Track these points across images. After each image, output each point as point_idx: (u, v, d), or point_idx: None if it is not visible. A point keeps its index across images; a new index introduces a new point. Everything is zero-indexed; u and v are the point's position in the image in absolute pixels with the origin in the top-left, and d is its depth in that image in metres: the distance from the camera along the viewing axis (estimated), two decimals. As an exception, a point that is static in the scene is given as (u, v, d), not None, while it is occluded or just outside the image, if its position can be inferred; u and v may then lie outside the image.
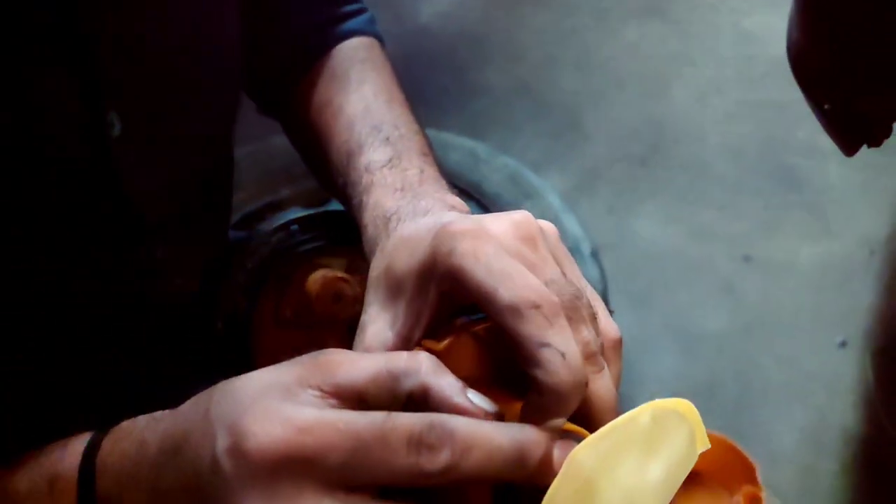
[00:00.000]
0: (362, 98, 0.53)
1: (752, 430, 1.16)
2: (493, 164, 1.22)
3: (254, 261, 0.55)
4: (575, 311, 0.32)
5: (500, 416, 0.29)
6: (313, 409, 0.27)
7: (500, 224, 0.34)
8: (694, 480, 1.15)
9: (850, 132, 0.58)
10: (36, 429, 0.39)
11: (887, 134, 0.58)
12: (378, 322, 0.35)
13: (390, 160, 0.46)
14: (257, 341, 0.56)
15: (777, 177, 1.58)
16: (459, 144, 1.26)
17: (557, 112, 1.81)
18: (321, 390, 0.28)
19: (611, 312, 0.35)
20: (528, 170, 1.47)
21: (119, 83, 0.41)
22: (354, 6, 0.60)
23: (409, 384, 0.28)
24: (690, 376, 1.25)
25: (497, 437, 0.27)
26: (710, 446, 0.32)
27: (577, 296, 0.33)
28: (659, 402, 0.30)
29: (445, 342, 0.33)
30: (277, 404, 0.27)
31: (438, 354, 0.32)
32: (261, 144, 1.23)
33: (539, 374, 0.29)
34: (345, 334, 0.57)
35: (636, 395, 1.20)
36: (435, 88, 1.91)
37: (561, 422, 0.29)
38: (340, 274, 0.52)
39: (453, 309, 0.35)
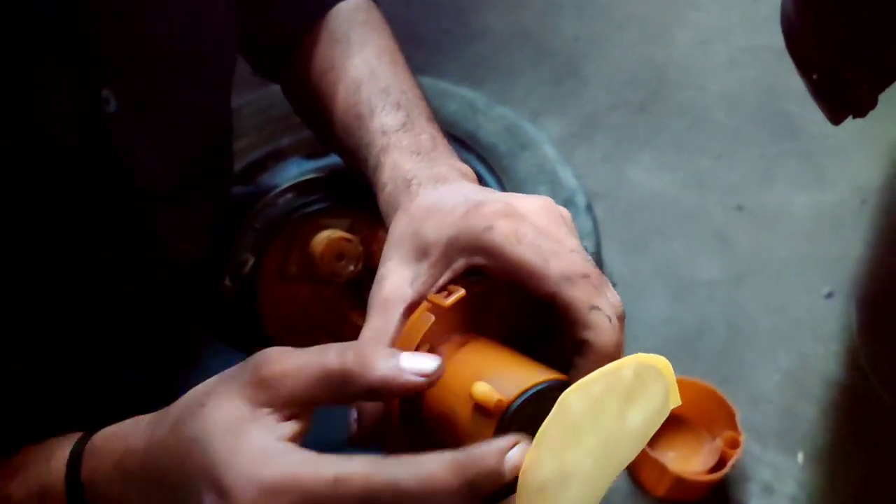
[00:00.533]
0: (366, 61, 0.53)
1: (736, 374, 1.20)
2: (490, 114, 1.23)
3: (261, 221, 0.57)
4: (605, 281, 0.35)
5: (440, 372, 0.31)
6: (280, 455, 0.29)
7: (529, 205, 0.37)
8: (682, 425, 1.21)
9: (837, 102, 0.59)
10: (35, 421, 0.41)
11: (873, 105, 0.59)
12: (397, 277, 0.38)
13: (403, 125, 0.48)
14: (263, 295, 0.58)
15: (774, 125, 1.58)
16: (458, 94, 1.26)
17: (557, 58, 1.79)
18: (275, 410, 0.30)
19: (613, 285, 0.38)
20: (526, 120, 1.48)
21: (111, 60, 0.42)
22: None
23: (353, 388, 0.31)
24: (680, 321, 1.27)
25: (444, 483, 0.28)
26: (681, 403, 0.33)
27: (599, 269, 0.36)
28: (641, 357, 0.32)
29: (452, 300, 0.36)
30: (247, 450, 0.29)
31: (443, 309, 0.36)
32: (261, 93, 1.24)
33: (590, 335, 0.33)
34: (345, 290, 0.59)
35: (627, 338, 1.24)
36: (435, 31, 1.89)
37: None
38: (344, 234, 0.54)
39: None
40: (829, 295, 1.31)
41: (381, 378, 0.30)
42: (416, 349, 0.35)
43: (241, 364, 0.33)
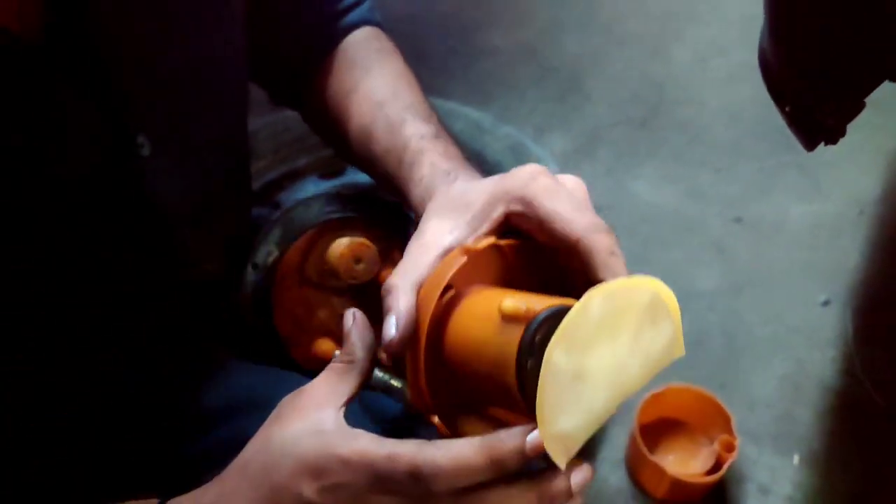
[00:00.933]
0: (387, 83, 0.58)
1: (735, 379, 1.24)
2: (495, 133, 1.28)
3: (289, 219, 0.60)
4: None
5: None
6: (352, 437, 0.37)
7: (563, 176, 0.44)
8: (681, 429, 1.28)
9: (809, 131, 0.64)
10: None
11: (842, 134, 0.65)
12: (436, 227, 0.43)
13: (435, 135, 0.54)
14: (278, 289, 0.61)
15: (772, 139, 1.63)
16: (464, 114, 1.32)
17: (561, 75, 1.85)
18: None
19: None
20: (530, 137, 1.54)
21: (143, 108, 0.47)
22: None
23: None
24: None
25: (473, 461, 0.34)
26: (684, 353, 0.38)
27: None
28: (659, 285, 0.36)
29: (483, 243, 0.41)
30: (328, 434, 0.38)
31: (475, 253, 0.41)
32: (276, 116, 1.30)
33: (608, 274, 0.39)
34: (353, 301, 0.63)
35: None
36: (442, 50, 1.95)
37: None
38: (363, 240, 0.58)
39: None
40: (826, 303, 1.35)
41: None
42: (444, 289, 0.40)
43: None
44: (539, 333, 0.34)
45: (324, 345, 0.62)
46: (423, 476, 0.34)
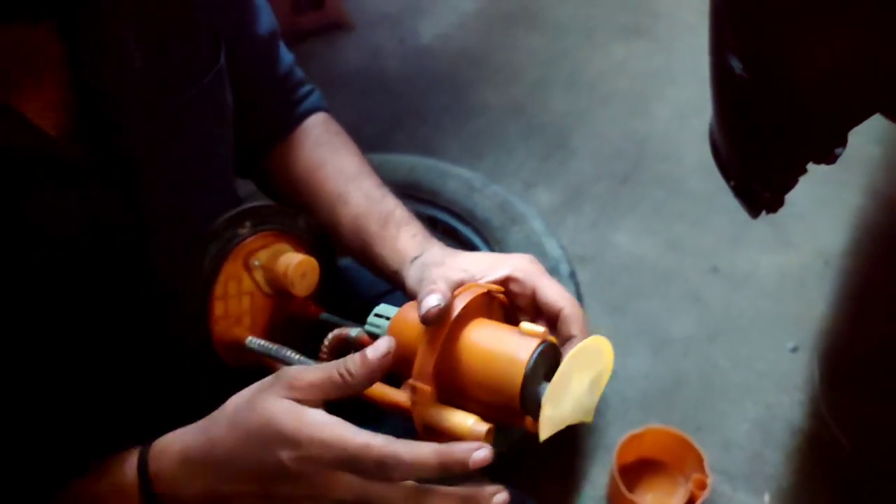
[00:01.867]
0: (353, 163, 0.72)
1: (709, 422, 1.32)
2: (485, 192, 1.39)
3: (211, 253, 0.60)
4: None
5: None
6: (334, 424, 0.45)
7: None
8: (658, 469, 1.38)
9: (752, 202, 0.74)
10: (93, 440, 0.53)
11: (780, 205, 0.75)
12: (459, 266, 0.56)
13: (409, 215, 0.66)
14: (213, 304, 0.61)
15: (745, 193, 1.73)
16: (457, 174, 1.42)
17: (548, 132, 1.97)
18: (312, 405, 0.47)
19: None
20: (517, 193, 1.65)
21: (151, 193, 0.55)
22: (307, 88, 0.77)
23: (349, 392, 0.47)
24: (658, 375, 1.41)
25: (427, 461, 0.43)
26: (611, 371, 0.51)
27: None
28: (602, 341, 0.49)
29: (488, 282, 0.54)
30: (309, 420, 0.45)
31: (491, 288, 0.53)
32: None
33: (580, 337, 0.53)
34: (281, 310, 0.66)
35: (609, 392, 1.38)
36: (437, 107, 2.07)
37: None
38: (279, 245, 0.62)
39: None
40: (794, 349, 1.44)
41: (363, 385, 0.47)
42: (464, 308, 0.50)
43: (268, 378, 0.48)
44: (536, 361, 0.47)
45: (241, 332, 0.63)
46: (387, 466, 0.43)
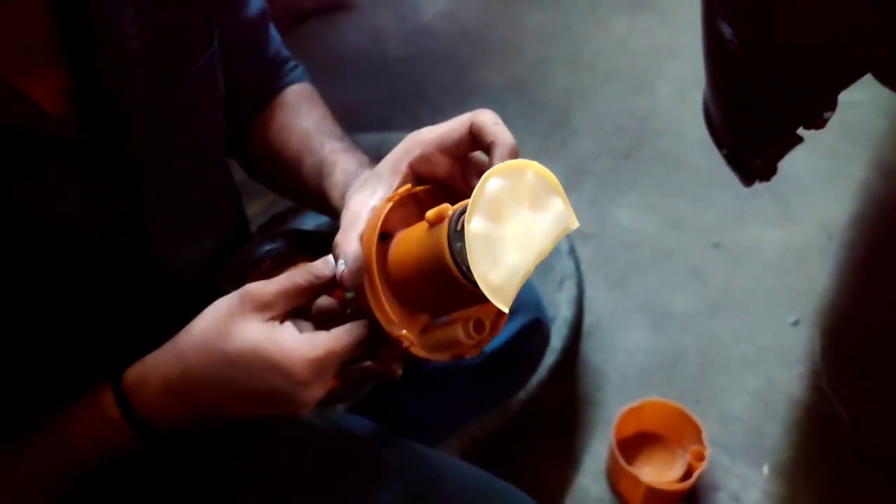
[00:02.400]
0: (313, 120, 0.71)
1: (708, 396, 1.33)
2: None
3: (241, 261, 0.66)
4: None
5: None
6: (310, 341, 0.49)
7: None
8: (657, 442, 1.39)
9: (743, 170, 0.74)
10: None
11: (773, 172, 0.74)
12: (359, 197, 0.53)
13: (346, 149, 0.65)
14: None
15: (747, 168, 1.72)
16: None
17: (549, 110, 1.96)
18: (278, 317, 0.50)
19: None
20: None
21: (149, 177, 0.55)
22: (292, 63, 0.77)
23: (316, 291, 0.52)
24: (658, 350, 1.41)
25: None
26: (578, 225, 0.47)
27: None
28: (536, 166, 0.45)
29: (401, 190, 0.51)
30: (290, 344, 0.49)
31: (396, 200, 0.51)
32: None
33: (496, 137, 0.48)
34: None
35: (609, 367, 1.38)
36: (437, 87, 2.06)
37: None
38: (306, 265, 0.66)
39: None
40: (796, 323, 1.44)
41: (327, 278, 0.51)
42: (383, 235, 0.50)
43: (232, 299, 0.50)
44: (458, 223, 0.45)
45: None
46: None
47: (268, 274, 0.65)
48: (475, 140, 0.50)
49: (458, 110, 0.52)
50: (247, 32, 0.70)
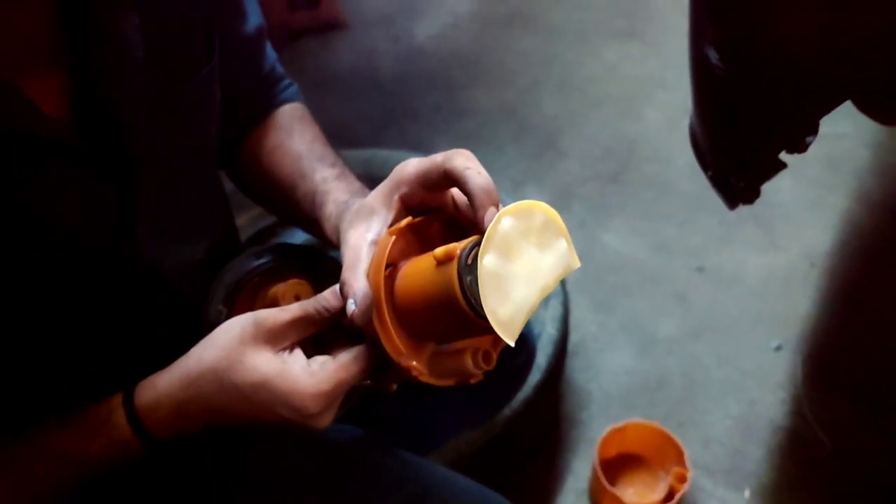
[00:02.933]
0: (305, 142, 0.72)
1: (691, 419, 1.34)
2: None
3: (229, 277, 0.67)
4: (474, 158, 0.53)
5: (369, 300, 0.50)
6: (317, 375, 0.51)
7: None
8: (639, 464, 1.39)
9: (728, 193, 0.76)
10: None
11: (756, 195, 0.76)
12: (356, 232, 0.54)
13: (338, 176, 0.66)
14: None
15: (732, 195, 1.75)
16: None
17: (538, 133, 1.98)
18: (288, 348, 0.53)
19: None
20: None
21: (142, 182, 0.56)
22: (285, 83, 0.78)
23: (324, 322, 0.53)
24: (641, 372, 1.42)
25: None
26: (580, 265, 0.49)
27: None
28: (545, 208, 0.47)
29: (403, 222, 0.52)
30: (298, 380, 0.51)
31: (398, 232, 0.52)
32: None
33: (469, 183, 0.49)
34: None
35: (593, 387, 1.39)
36: (428, 107, 2.08)
37: (492, 212, 0.48)
38: (297, 280, 0.66)
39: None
40: (778, 348, 1.45)
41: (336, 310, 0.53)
42: (386, 266, 0.51)
43: (244, 326, 0.52)
44: (469, 258, 0.46)
45: None
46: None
47: (257, 290, 0.67)
48: (452, 181, 0.51)
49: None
50: (244, 47, 0.71)
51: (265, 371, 0.50)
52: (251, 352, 0.51)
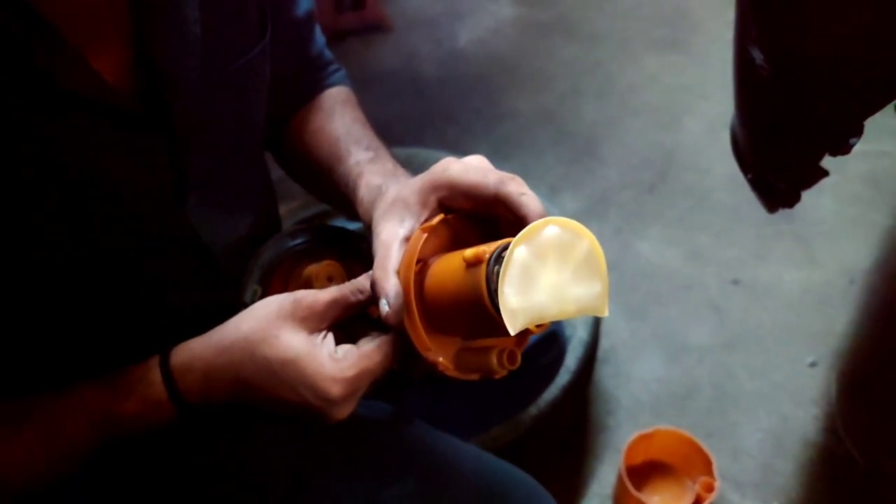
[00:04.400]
0: (344, 125, 0.73)
1: (720, 430, 1.32)
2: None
3: (264, 258, 0.68)
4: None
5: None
6: (343, 361, 0.52)
7: (468, 158, 0.56)
8: (666, 472, 1.38)
9: (767, 195, 0.75)
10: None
11: (797, 199, 0.75)
12: (389, 226, 0.54)
13: (371, 159, 0.66)
14: None
15: (771, 208, 1.73)
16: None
17: (577, 139, 1.98)
18: (321, 331, 0.54)
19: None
20: (544, 196, 1.65)
21: (195, 165, 0.58)
22: (334, 67, 0.80)
23: (358, 307, 0.55)
24: (671, 381, 1.41)
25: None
26: (607, 314, 0.47)
27: None
28: (596, 244, 0.45)
29: (435, 220, 0.53)
30: (324, 363, 0.53)
31: (430, 229, 0.53)
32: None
33: (524, 210, 0.49)
34: None
35: (622, 393, 1.38)
36: (468, 111, 2.10)
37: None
38: (330, 261, 0.68)
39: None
40: (813, 364, 1.43)
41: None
42: (417, 263, 0.51)
43: (283, 302, 0.53)
44: (496, 267, 0.45)
45: None
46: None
47: (291, 270, 0.68)
48: (501, 204, 0.51)
49: (488, 134, 0.54)
50: (293, 30, 0.73)
51: (297, 349, 0.52)
52: (287, 329, 0.52)
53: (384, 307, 0.51)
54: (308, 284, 0.67)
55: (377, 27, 2.41)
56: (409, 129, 2.02)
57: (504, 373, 0.52)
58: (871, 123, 0.64)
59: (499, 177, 0.51)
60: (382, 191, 0.60)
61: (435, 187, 0.54)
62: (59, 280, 0.53)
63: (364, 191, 0.62)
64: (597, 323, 1.24)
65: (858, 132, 0.61)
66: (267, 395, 0.53)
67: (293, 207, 1.40)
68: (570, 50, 2.31)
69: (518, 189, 0.50)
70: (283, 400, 0.53)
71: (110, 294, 0.57)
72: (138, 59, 0.54)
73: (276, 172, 0.81)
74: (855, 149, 0.62)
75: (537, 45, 2.35)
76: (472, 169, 0.52)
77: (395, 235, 0.54)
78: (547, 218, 0.45)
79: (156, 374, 0.55)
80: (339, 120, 0.73)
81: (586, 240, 0.45)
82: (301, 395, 0.52)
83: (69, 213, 0.51)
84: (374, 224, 0.56)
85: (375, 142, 0.70)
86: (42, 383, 0.55)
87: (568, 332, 1.18)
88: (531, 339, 0.86)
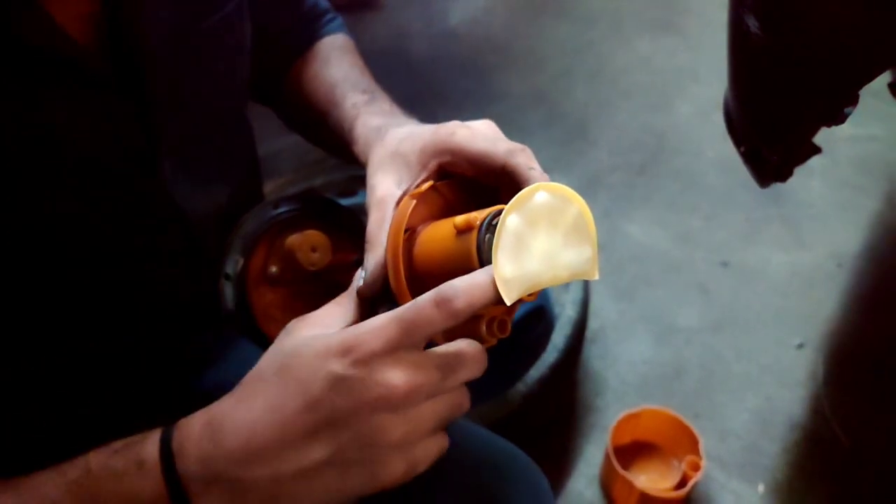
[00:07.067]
0: (341, 69, 0.71)
1: (707, 410, 1.32)
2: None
3: (246, 228, 0.65)
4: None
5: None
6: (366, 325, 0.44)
7: (477, 122, 0.53)
8: (653, 451, 1.38)
9: (759, 168, 0.74)
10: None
11: (788, 174, 0.74)
12: (385, 182, 0.52)
13: (368, 102, 0.64)
14: (251, 293, 0.66)
15: (761, 191, 1.73)
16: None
17: (568, 121, 1.97)
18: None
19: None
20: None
21: (167, 132, 0.55)
22: (330, 15, 0.78)
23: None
24: (659, 362, 1.40)
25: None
26: (597, 277, 0.45)
27: None
28: (585, 208, 0.44)
29: (425, 186, 0.51)
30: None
31: (421, 195, 0.50)
32: (296, 139, 1.42)
33: (533, 183, 0.46)
34: (321, 290, 0.68)
35: (610, 374, 1.38)
36: (460, 91, 2.08)
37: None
38: (313, 231, 0.64)
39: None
40: (800, 346, 1.43)
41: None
42: (405, 229, 0.49)
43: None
44: (487, 228, 0.44)
45: None
46: (430, 319, 0.41)
47: (274, 240, 0.66)
48: (508, 175, 0.49)
49: (480, 114, 0.52)
50: None
51: (310, 336, 0.45)
52: (290, 334, 0.47)
53: (358, 280, 0.48)
54: (290, 254, 0.65)
55: (368, 4, 2.38)
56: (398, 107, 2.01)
57: (493, 342, 0.51)
58: (860, 108, 0.63)
59: (508, 147, 0.49)
60: (381, 133, 0.57)
61: (438, 151, 0.51)
62: (32, 252, 0.50)
63: (361, 130, 0.60)
64: (585, 302, 1.23)
65: (854, 101, 0.60)
66: (280, 417, 0.42)
67: (281, 184, 1.38)
68: (562, 30, 2.29)
69: (527, 162, 0.48)
70: (299, 410, 0.42)
71: (86, 270, 0.54)
72: (105, 13, 0.51)
73: (263, 148, 0.79)
74: (844, 133, 0.61)
75: (529, 25, 2.33)
76: (479, 136, 0.50)
77: (389, 195, 0.52)
78: (536, 184, 0.43)
79: (155, 433, 0.46)
80: (336, 66, 0.72)
81: (576, 204, 0.44)
82: (327, 371, 0.41)
83: (40, 177, 0.48)
84: (371, 171, 0.54)
85: (373, 85, 0.68)
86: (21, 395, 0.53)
87: (556, 310, 1.17)
88: (519, 313, 0.86)
